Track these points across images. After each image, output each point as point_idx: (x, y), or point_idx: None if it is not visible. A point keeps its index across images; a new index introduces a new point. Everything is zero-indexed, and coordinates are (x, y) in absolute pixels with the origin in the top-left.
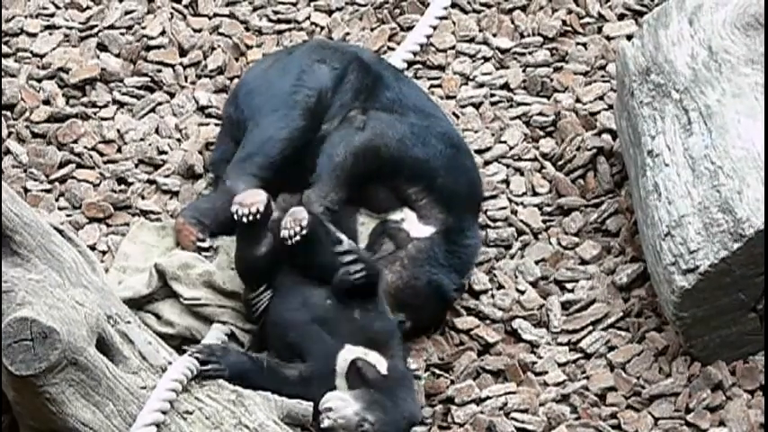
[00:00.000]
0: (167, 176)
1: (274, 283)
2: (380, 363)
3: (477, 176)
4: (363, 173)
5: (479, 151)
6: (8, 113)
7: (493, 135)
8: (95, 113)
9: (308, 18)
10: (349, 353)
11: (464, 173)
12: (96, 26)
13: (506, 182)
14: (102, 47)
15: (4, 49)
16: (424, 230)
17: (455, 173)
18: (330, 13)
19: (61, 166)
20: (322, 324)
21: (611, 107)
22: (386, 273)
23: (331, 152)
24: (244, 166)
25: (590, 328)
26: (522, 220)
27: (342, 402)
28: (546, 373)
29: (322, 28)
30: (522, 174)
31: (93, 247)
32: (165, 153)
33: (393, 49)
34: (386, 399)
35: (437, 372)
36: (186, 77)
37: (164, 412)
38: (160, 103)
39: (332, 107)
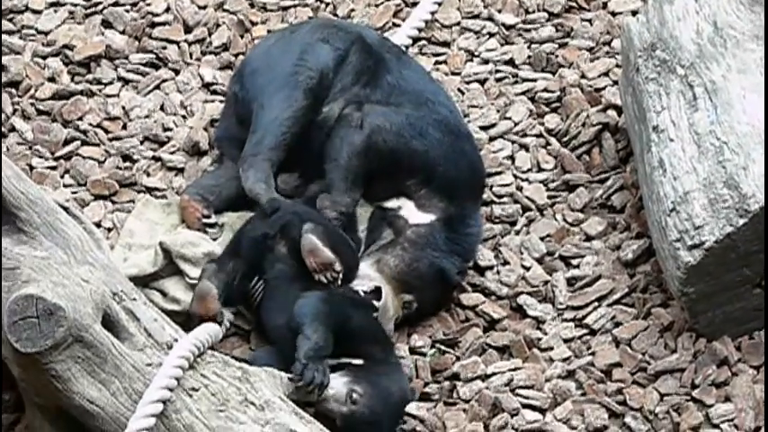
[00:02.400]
0: (172, 153)
1: (265, 277)
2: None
3: (478, 159)
4: (369, 170)
5: (484, 127)
6: (13, 90)
7: (498, 111)
8: (100, 90)
9: None
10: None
11: (463, 158)
12: (101, 3)
13: (511, 158)
14: (106, 24)
15: (9, 26)
16: (423, 217)
17: (454, 160)
18: None
19: (66, 143)
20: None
21: (616, 83)
22: (388, 258)
23: (336, 156)
24: (256, 152)
25: (595, 303)
26: (527, 197)
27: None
28: (551, 349)
29: (327, 4)
30: (527, 150)
31: (98, 225)
32: (170, 130)
33: (398, 25)
34: (373, 374)
35: (443, 348)
36: (191, 54)
37: (170, 389)
38: (165, 80)
39: (333, 88)
